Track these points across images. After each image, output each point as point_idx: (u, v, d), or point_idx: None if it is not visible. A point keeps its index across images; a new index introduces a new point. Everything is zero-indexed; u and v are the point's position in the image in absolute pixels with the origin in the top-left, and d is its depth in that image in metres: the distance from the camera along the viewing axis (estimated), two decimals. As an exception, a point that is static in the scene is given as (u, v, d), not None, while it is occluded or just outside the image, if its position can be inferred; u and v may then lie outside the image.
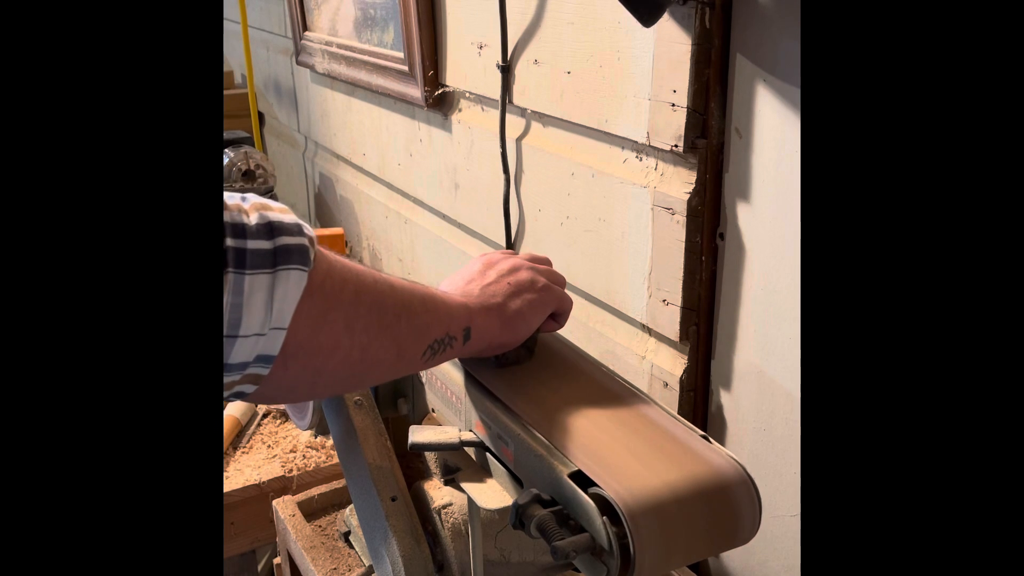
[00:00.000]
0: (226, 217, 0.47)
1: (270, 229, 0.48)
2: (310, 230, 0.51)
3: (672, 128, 0.80)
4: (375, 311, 0.55)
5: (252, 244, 0.47)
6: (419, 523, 0.76)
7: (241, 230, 0.47)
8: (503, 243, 1.12)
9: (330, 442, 1.22)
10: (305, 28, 1.60)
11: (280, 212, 0.50)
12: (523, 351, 0.68)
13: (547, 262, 0.71)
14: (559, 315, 0.69)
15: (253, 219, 0.48)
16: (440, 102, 1.22)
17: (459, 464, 0.70)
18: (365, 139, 1.53)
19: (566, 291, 0.69)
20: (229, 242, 0.46)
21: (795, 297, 0.74)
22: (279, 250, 0.48)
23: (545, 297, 0.66)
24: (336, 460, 1.17)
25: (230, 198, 0.49)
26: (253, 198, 0.50)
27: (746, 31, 0.74)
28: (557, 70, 0.95)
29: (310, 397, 0.62)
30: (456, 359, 0.68)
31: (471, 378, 0.67)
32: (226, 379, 0.49)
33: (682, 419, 0.62)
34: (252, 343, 0.48)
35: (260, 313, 0.47)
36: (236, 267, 0.46)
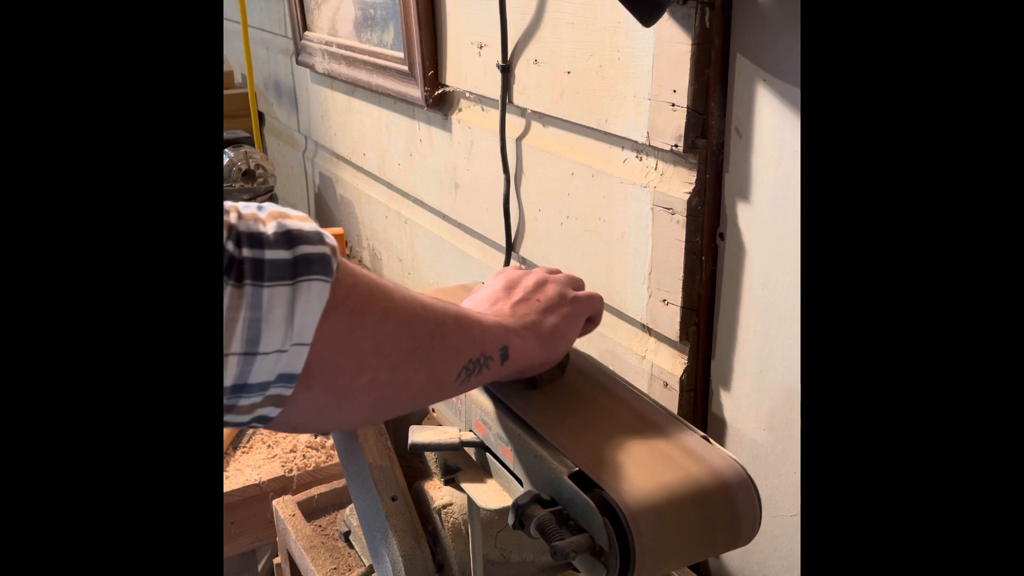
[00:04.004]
0: (242, 227, 0.44)
1: (289, 238, 0.45)
2: (332, 240, 0.48)
3: (672, 128, 0.80)
4: (405, 330, 0.51)
5: (270, 254, 0.44)
6: (419, 523, 0.76)
7: (258, 239, 0.44)
8: (503, 243, 1.12)
9: (330, 442, 1.22)
10: (305, 28, 1.60)
11: (299, 220, 0.47)
12: (556, 370, 0.65)
13: (558, 271, 0.68)
14: (594, 317, 0.67)
15: (270, 228, 0.45)
16: (440, 102, 1.22)
17: (459, 464, 0.70)
18: (365, 139, 1.53)
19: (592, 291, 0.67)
20: (246, 252, 0.43)
21: (795, 297, 0.74)
22: (299, 260, 0.45)
23: (576, 309, 0.64)
24: (336, 460, 1.17)
25: (245, 207, 0.46)
26: (270, 207, 0.47)
27: (746, 31, 0.74)
28: (557, 70, 0.95)
29: (338, 424, 0.57)
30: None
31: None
32: (247, 401, 0.45)
33: (682, 420, 0.62)
34: (273, 361, 0.44)
35: (281, 328, 0.44)
36: (254, 279, 0.43)
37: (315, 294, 0.45)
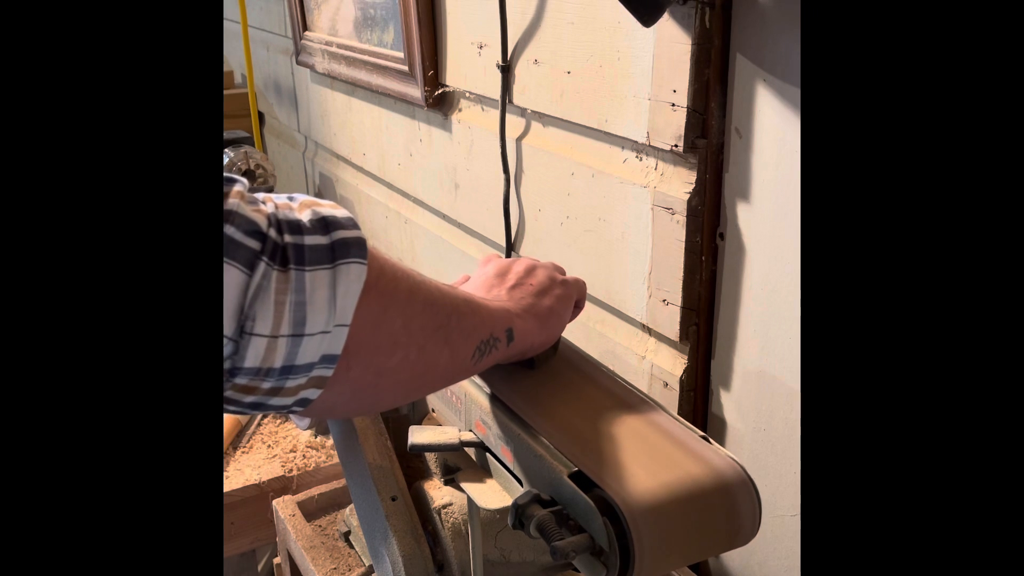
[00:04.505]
0: (280, 215, 0.45)
1: (324, 224, 0.47)
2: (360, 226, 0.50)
3: (672, 128, 0.80)
4: (428, 310, 0.54)
5: (310, 240, 0.46)
6: (419, 523, 0.76)
7: (297, 226, 0.46)
8: (503, 243, 1.12)
9: (330, 442, 1.22)
10: (305, 28, 1.60)
11: (331, 207, 0.49)
12: (550, 350, 0.68)
13: (537, 260, 0.71)
14: (579, 301, 0.70)
15: (306, 215, 0.47)
16: (440, 102, 1.22)
17: (459, 464, 0.70)
18: (365, 139, 1.53)
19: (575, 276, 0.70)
20: (288, 238, 0.45)
21: (795, 297, 0.74)
22: (337, 244, 0.46)
23: (567, 291, 0.67)
24: (336, 460, 1.17)
25: (278, 198, 0.47)
26: (301, 197, 0.49)
27: (746, 31, 0.74)
28: (557, 70, 0.95)
29: (371, 406, 0.59)
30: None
31: (471, 380, 0.67)
32: (293, 383, 0.47)
33: (682, 420, 0.62)
34: (318, 341, 0.46)
35: (324, 310, 0.46)
36: (297, 264, 0.45)
37: (354, 276, 0.47)
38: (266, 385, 0.46)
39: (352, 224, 0.48)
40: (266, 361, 0.45)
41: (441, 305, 0.55)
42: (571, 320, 0.69)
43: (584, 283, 0.70)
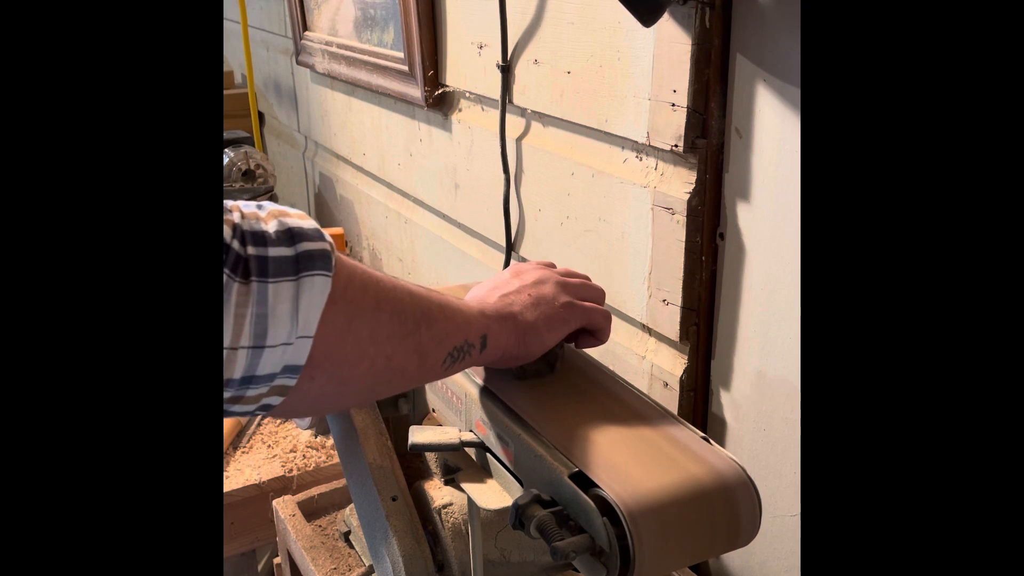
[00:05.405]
0: (245, 226, 0.45)
1: (290, 235, 0.47)
2: (328, 236, 0.50)
3: (672, 128, 0.80)
4: (397, 318, 0.53)
5: (273, 252, 0.45)
6: (419, 523, 0.76)
7: (262, 238, 0.45)
8: (503, 243, 1.12)
9: (330, 442, 1.22)
10: (305, 28, 1.60)
11: (299, 218, 0.48)
12: (543, 366, 0.66)
13: (584, 278, 0.68)
14: (596, 331, 0.66)
15: (272, 226, 0.47)
16: (440, 102, 1.22)
17: (459, 464, 0.70)
18: (365, 139, 1.53)
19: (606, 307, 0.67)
20: (251, 250, 0.45)
21: (795, 297, 0.74)
22: (301, 256, 0.46)
23: (564, 314, 0.64)
24: (336, 460, 1.17)
25: (246, 206, 0.47)
26: (269, 206, 0.49)
27: (746, 31, 0.74)
28: (557, 70, 0.95)
29: (336, 408, 0.59)
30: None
31: (471, 380, 0.67)
32: (254, 392, 0.47)
33: (682, 420, 0.62)
34: (279, 353, 0.46)
35: (286, 322, 0.46)
36: (260, 276, 0.44)
37: (318, 289, 0.47)
38: (226, 394, 0.46)
39: (319, 236, 0.48)
40: (225, 372, 0.45)
41: (411, 312, 0.54)
42: (585, 347, 0.67)
43: (605, 315, 0.66)
